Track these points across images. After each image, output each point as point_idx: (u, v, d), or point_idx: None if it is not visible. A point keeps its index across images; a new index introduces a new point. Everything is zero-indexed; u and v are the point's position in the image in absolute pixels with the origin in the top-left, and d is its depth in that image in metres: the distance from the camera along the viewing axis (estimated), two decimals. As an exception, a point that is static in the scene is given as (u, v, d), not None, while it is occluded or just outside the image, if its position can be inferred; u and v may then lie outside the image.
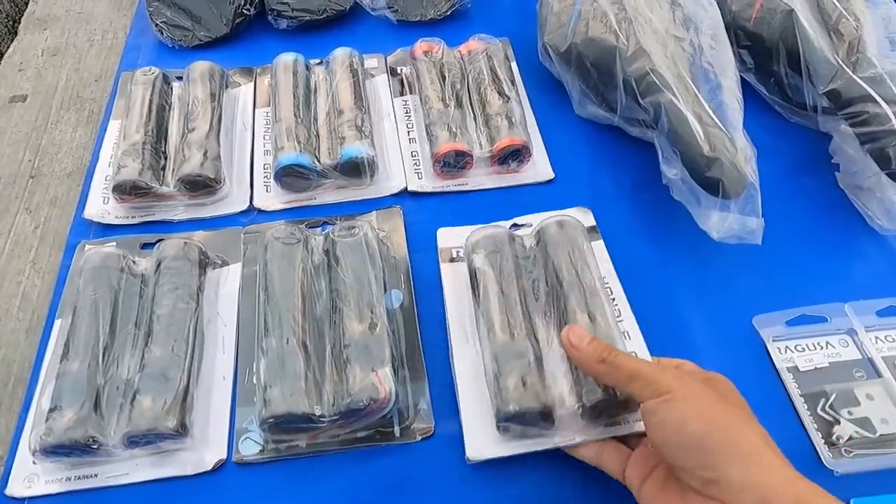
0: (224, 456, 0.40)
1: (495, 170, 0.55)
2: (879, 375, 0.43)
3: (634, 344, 0.44)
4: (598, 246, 0.49)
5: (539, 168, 0.55)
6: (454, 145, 0.52)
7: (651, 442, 0.35)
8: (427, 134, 0.55)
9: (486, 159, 0.54)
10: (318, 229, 0.51)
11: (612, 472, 0.38)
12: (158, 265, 0.45)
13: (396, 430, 0.41)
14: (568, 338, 0.39)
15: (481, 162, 0.55)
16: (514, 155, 0.54)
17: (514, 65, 0.63)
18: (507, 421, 0.39)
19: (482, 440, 0.40)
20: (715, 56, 0.55)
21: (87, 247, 0.49)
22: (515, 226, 0.51)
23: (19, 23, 0.69)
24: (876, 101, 0.50)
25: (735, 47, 0.60)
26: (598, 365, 0.37)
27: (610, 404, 0.38)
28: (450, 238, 0.50)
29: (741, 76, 0.58)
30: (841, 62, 0.52)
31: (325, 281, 0.45)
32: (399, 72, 0.63)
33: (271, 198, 0.53)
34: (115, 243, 0.49)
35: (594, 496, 0.39)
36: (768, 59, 0.58)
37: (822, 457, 0.40)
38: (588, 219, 0.51)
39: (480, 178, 0.55)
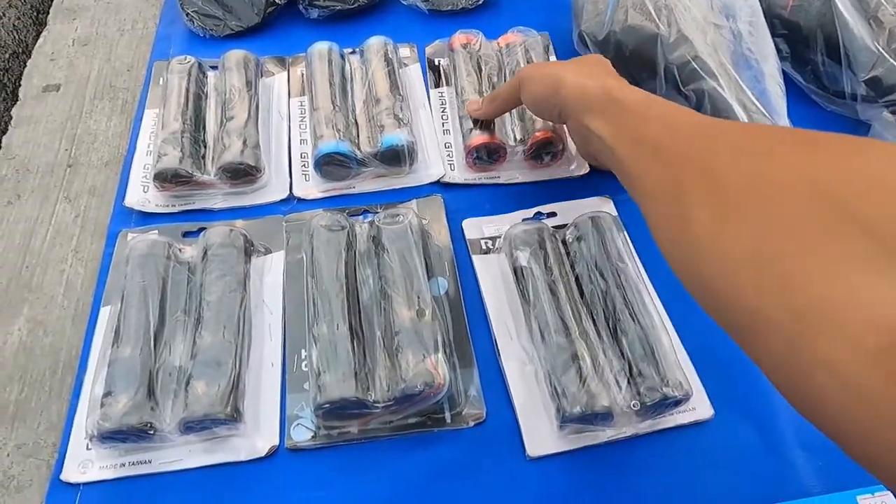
0: (277, 442, 0.40)
1: (529, 164, 0.55)
2: None
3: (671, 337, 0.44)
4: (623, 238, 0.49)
5: (573, 162, 0.55)
6: (487, 138, 0.52)
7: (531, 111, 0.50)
8: (461, 126, 0.55)
9: (519, 153, 0.54)
10: (360, 217, 0.51)
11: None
12: (205, 252, 0.45)
13: (448, 416, 0.41)
14: (469, 106, 0.53)
15: (515, 155, 0.54)
16: (548, 148, 0.54)
17: (552, 58, 0.62)
18: (570, 422, 0.39)
19: (540, 436, 0.40)
20: (755, 43, 0.54)
21: (130, 235, 0.49)
22: (539, 214, 0.51)
23: (46, 14, 0.68)
24: None
25: (771, 36, 0.60)
26: (492, 103, 0.51)
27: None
28: (475, 229, 0.50)
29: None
30: (882, 49, 0.52)
31: (372, 268, 0.45)
32: (437, 63, 0.62)
33: (310, 186, 0.53)
34: (156, 231, 0.49)
35: (645, 486, 0.39)
36: (805, 47, 0.58)
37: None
38: (609, 208, 0.51)
39: (513, 172, 0.55)
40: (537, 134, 0.52)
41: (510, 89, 0.48)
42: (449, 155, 0.56)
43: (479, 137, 0.52)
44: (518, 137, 0.54)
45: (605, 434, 0.40)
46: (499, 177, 0.54)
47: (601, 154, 0.40)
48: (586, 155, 0.51)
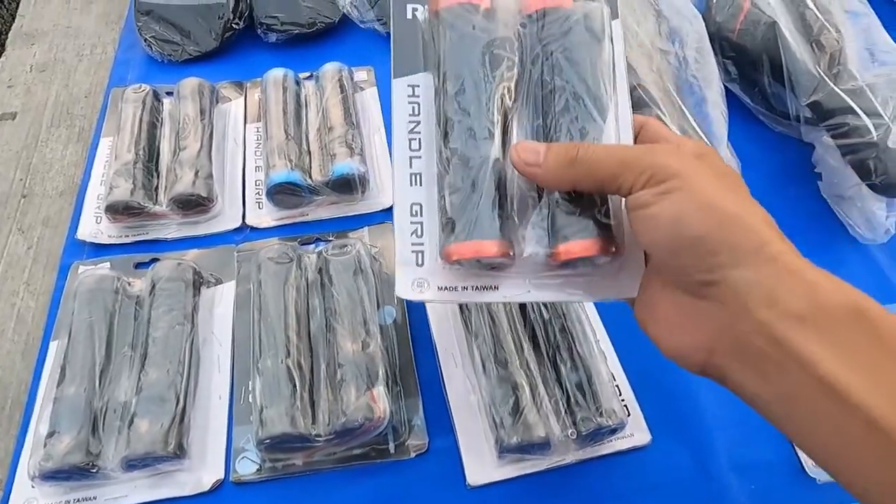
0: (221, 476, 0.41)
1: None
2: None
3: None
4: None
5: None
6: (483, 248, 0.48)
7: (638, 240, 0.30)
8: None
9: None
10: (311, 245, 0.51)
11: None
12: (153, 287, 0.45)
13: (391, 446, 0.42)
14: (520, 157, 0.31)
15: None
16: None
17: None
18: (508, 452, 0.40)
19: (481, 465, 0.41)
20: (700, 69, 0.56)
21: (81, 268, 0.49)
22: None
23: (5, 38, 0.68)
24: (856, 113, 0.51)
25: (720, 57, 0.61)
26: (570, 169, 0.30)
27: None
28: None
29: (726, 86, 0.59)
30: (822, 74, 0.53)
31: (319, 299, 0.46)
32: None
33: (263, 215, 0.54)
34: (108, 264, 0.50)
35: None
36: (752, 69, 0.59)
37: (804, 465, 0.41)
38: None
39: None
40: (574, 245, 0.31)
41: (617, 181, 0.29)
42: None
43: (469, 245, 0.31)
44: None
45: (545, 462, 0.41)
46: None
47: (787, 404, 0.25)
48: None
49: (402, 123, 0.34)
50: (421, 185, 0.34)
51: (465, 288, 0.32)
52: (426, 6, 0.36)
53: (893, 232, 0.51)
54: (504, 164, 0.32)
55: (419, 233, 0.33)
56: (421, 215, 0.33)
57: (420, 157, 0.34)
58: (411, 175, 0.34)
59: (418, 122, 0.35)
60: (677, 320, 0.29)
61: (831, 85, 0.53)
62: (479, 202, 0.31)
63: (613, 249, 0.31)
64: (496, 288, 0.33)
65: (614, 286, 0.33)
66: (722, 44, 0.61)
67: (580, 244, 0.31)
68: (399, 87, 0.35)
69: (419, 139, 0.34)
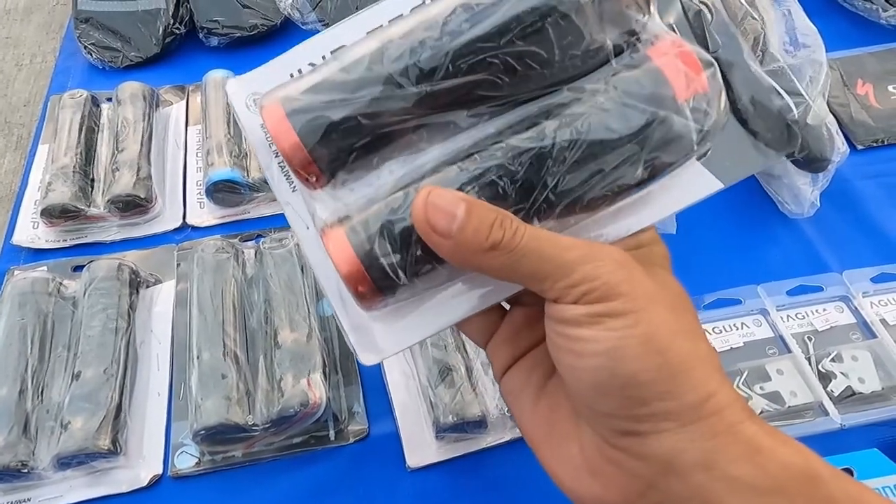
0: (160, 471, 0.40)
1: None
2: (789, 351, 0.46)
3: None
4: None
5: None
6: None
7: (553, 358, 0.24)
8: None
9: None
10: (252, 242, 0.51)
11: (475, 341, 0.29)
12: (87, 287, 0.45)
13: (331, 433, 0.42)
14: (427, 218, 0.22)
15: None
16: None
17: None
18: (446, 431, 0.40)
19: (420, 447, 0.41)
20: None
21: (17, 272, 0.49)
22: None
23: (-54, 49, 0.68)
24: (779, 93, 0.53)
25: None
26: (490, 256, 0.22)
27: None
28: None
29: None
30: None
31: (258, 292, 0.46)
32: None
33: (205, 214, 0.54)
34: (45, 268, 0.49)
35: (527, 489, 0.41)
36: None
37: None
38: None
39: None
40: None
41: (543, 284, 0.23)
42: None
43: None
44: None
45: (483, 441, 0.41)
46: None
47: None
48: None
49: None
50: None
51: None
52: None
53: (819, 206, 0.53)
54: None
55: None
56: None
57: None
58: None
59: None
60: (587, 465, 0.24)
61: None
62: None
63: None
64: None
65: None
66: (654, 33, 0.63)
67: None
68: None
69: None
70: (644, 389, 0.22)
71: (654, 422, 0.22)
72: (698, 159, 0.27)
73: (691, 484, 0.22)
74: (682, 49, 0.25)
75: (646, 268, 0.24)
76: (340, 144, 0.25)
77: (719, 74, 0.26)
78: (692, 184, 0.27)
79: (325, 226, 0.25)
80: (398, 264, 0.24)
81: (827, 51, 0.53)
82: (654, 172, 0.25)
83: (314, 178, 0.25)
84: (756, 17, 0.58)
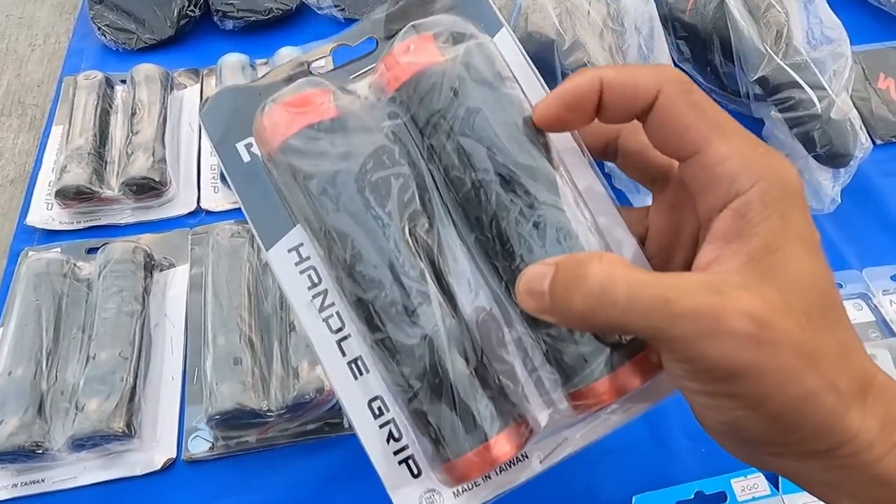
0: (173, 455, 0.40)
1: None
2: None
3: None
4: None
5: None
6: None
7: (683, 392, 0.22)
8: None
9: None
10: (266, 228, 0.51)
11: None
12: (102, 269, 0.45)
13: (346, 420, 0.42)
14: (525, 287, 0.22)
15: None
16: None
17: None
18: None
19: None
20: (651, 49, 0.56)
21: (31, 253, 0.48)
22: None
23: (-43, 28, 0.67)
24: (801, 87, 0.52)
25: (673, 38, 0.63)
26: (597, 311, 0.21)
27: None
28: None
29: (679, 66, 0.60)
30: (769, 50, 0.55)
31: (273, 277, 0.46)
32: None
33: (219, 198, 0.53)
34: (59, 249, 0.49)
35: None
36: (704, 48, 0.60)
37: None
38: None
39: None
40: (601, 386, 0.24)
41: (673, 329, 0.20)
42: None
43: (470, 461, 0.23)
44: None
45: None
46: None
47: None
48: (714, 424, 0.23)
49: (306, 304, 0.26)
50: (368, 371, 0.25)
51: (487, 477, 0.25)
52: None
53: (839, 202, 0.52)
54: (458, 324, 0.24)
55: (396, 434, 0.25)
56: (388, 410, 0.25)
57: (348, 335, 0.26)
58: (350, 365, 0.25)
59: (325, 293, 0.26)
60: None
61: (777, 60, 0.54)
62: (454, 396, 0.23)
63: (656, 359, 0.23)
64: (526, 458, 0.26)
65: (651, 389, 0.25)
66: (674, 24, 0.62)
67: (610, 381, 0.23)
68: (278, 258, 0.26)
69: (336, 313, 0.26)
70: (778, 442, 0.22)
71: (780, 456, 0.22)
72: None
73: (812, 490, 0.23)
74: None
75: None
76: None
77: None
78: None
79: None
80: None
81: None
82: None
83: None
84: (780, 9, 0.57)
